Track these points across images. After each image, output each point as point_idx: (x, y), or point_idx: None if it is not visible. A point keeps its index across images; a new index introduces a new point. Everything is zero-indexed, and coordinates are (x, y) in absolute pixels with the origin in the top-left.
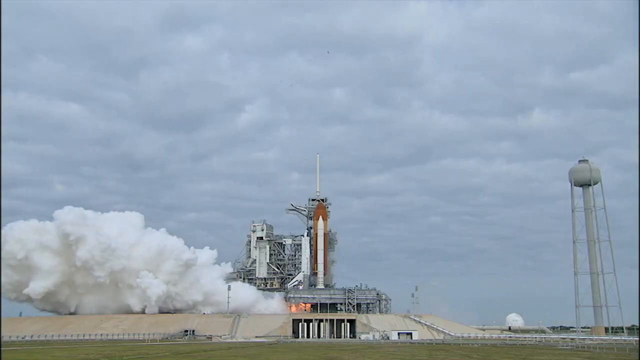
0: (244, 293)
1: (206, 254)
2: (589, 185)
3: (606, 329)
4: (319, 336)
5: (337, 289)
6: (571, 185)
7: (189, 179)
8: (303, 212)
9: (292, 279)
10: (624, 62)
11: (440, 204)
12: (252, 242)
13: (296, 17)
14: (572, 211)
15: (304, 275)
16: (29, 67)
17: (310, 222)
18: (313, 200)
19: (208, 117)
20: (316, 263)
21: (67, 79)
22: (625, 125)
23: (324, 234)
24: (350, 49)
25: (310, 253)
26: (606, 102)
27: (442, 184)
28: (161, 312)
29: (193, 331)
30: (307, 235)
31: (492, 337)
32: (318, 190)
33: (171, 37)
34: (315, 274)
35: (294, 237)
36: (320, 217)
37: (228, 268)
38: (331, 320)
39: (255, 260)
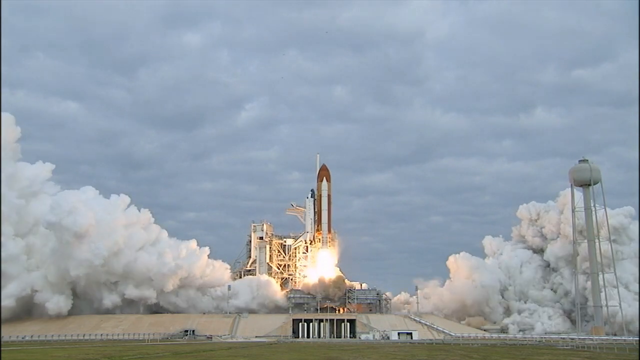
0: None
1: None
2: (589, 185)
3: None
4: (319, 336)
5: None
6: (571, 185)
7: (188, 178)
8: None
9: (292, 277)
10: (628, 60)
11: (441, 203)
12: (252, 242)
13: (296, 13)
14: (573, 211)
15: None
16: (26, 64)
17: None
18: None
19: (208, 115)
20: (320, 224)
21: (65, 76)
22: (628, 123)
23: (328, 195)
24: (350, 45)
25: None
26: (609, 100)
27: (443, 183)
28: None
29: (193, 331)
30: (312, 197)
31: (492, 337)
32: None
33: (170, 33)
34: (320, 238)
35: (294, 237)
36: (324, 178)
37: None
38: (331, 320)
39: (255, 260)
